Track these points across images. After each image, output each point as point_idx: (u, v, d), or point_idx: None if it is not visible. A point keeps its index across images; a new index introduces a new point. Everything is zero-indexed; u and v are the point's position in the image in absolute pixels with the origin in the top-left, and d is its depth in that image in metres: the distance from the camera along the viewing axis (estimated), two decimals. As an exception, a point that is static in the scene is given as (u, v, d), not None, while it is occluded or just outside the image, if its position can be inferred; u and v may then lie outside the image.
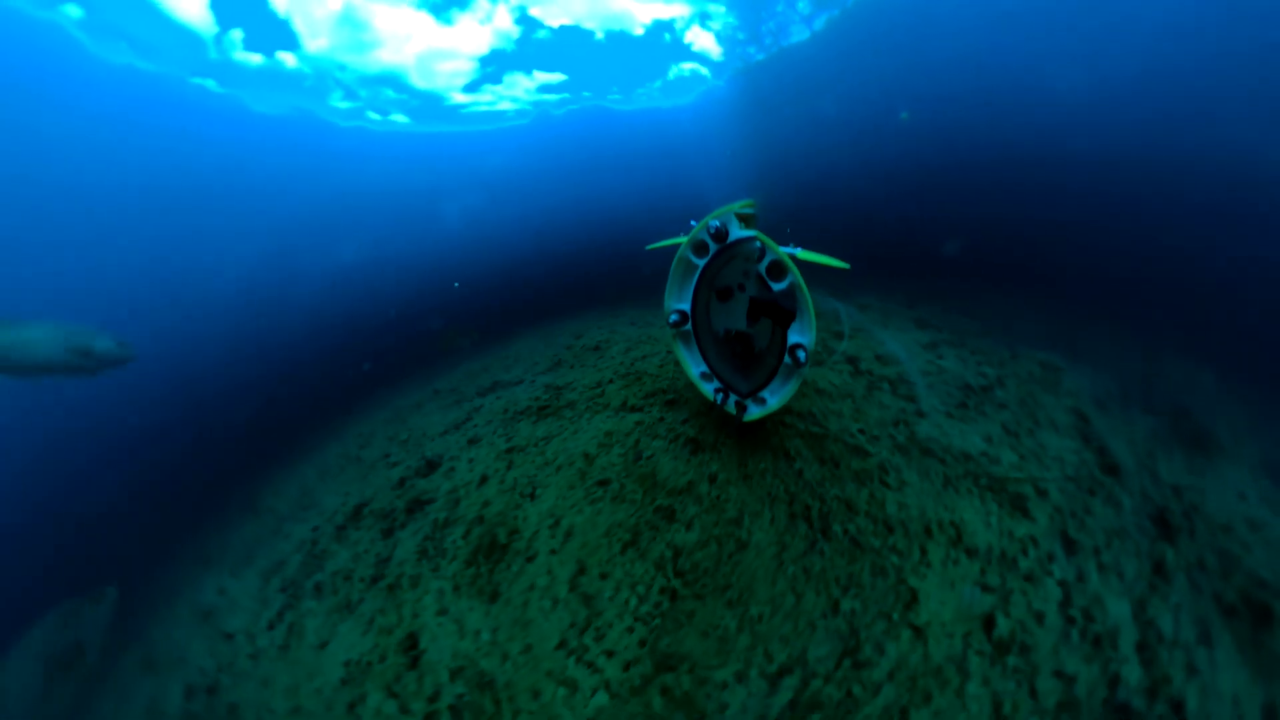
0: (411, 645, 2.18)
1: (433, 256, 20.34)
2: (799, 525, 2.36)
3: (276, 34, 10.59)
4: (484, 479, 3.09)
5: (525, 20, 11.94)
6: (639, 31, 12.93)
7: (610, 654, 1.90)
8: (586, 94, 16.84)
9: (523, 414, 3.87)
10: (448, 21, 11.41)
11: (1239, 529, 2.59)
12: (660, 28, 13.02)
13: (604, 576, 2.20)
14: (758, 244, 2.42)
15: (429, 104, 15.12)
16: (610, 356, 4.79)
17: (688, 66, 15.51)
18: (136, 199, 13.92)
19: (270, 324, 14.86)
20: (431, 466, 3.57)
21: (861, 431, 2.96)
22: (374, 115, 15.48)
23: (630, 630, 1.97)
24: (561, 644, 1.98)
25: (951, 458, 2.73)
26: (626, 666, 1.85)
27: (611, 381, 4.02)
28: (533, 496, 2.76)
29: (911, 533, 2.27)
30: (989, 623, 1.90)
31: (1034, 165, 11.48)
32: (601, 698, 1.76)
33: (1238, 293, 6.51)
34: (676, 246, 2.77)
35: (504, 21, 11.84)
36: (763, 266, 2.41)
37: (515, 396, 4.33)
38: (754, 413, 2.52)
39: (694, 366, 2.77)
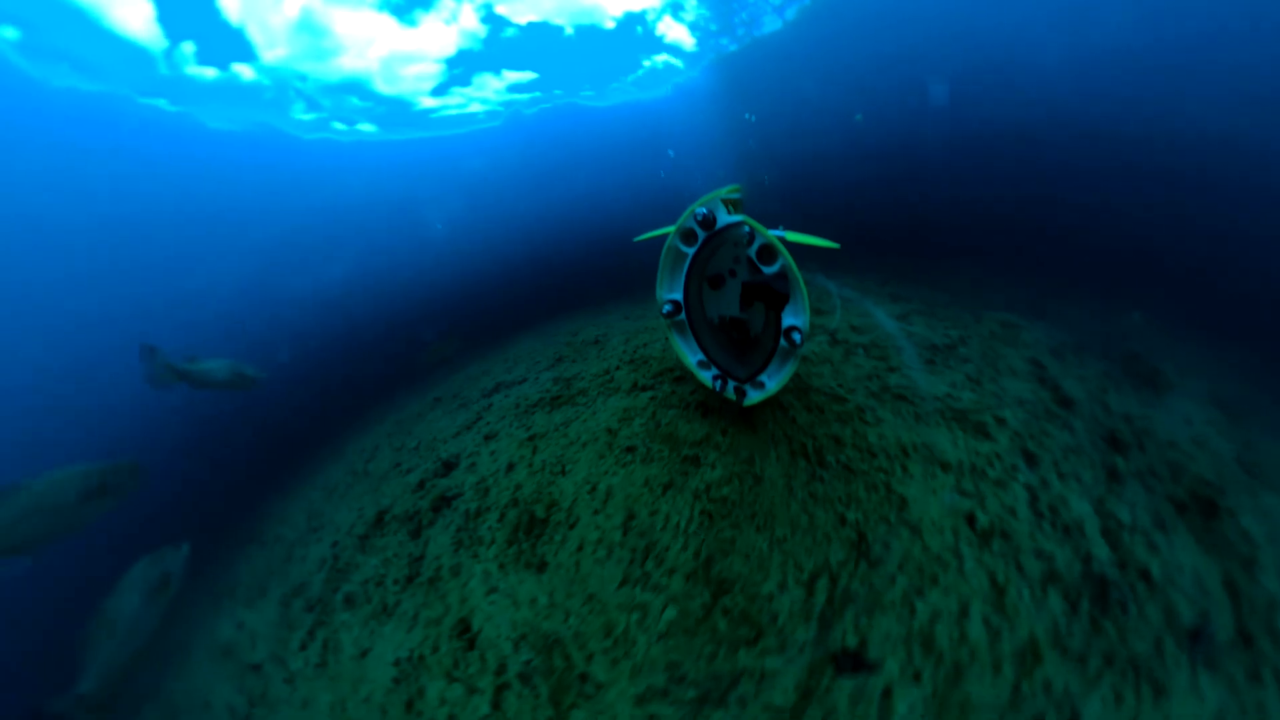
0: (465, 629, 2.16)
1: (413, 267, 19.94)
2: (799, 460, 2.69)
3: (230, 45, 10.19)
4: (511, 466, 3.18)
5: (492, 19, 11.80)
6: (610, 25, 12.91)
7: (672, 571, 2.15)
8: (558, 91, 16.72)
9: (536, 406, 3.97)
10: (411, 23, 11.19)
11: (1185, 445, 2.93)
12: (631, 20, 13.00)
13: (653, 514, 2.46)
14: (746, 229, 2.41)
15: (396, 110, 14.80)
16: (612, 348, 4.94)
17: (660, 59, 15.53)
18: (92, 230, 13.17)
19: (249, 351, 14.36)
20: (449, 466, 3.57)
21: (840, 386, 3.34)
22: (339, 125, 15.07)
23: (685, 547, 2.25)
24: (625, 580, 2.19)
25: (919, 399, 3.13)
26: (687, 578, 2.11)
27: (619, 368, 4.19)
28: (564, 472, 2.90)
29: (892, 455, 2.64)
30: (971, 518, 2.26)
31: (1009, 144, 11.93)
32: (671, 612, 1.99)
33: (1194, 252, 7.07)
34: (664, 237, 2.76)
35: (470, 21, 11.67)
36: (753, 251, 2.41)
37: (524, 393, 4.42)
38: (753, 397, 2.59)
39: (691, 355, 2.79)
